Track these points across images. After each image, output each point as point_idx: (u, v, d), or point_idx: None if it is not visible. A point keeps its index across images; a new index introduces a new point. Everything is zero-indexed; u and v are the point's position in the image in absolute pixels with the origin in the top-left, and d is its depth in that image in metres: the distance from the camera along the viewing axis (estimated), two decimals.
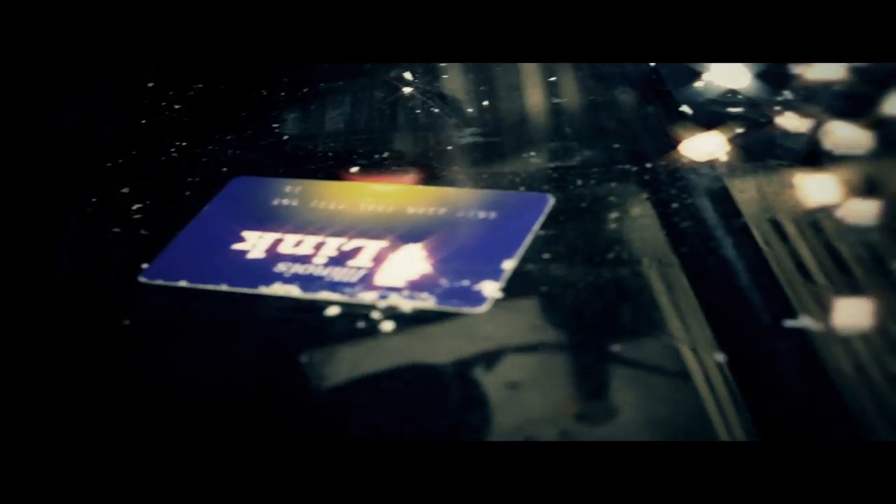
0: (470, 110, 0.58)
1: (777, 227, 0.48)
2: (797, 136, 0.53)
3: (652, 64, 0.59)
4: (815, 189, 0.50)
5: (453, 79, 0.60)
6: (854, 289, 0.44)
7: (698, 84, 0.57)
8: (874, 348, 0.42)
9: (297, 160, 0.55)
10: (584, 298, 0.45)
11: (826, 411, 0.40)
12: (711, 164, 0.52)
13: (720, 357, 0.42)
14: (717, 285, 0.46)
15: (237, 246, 0.50)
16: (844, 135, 0.52)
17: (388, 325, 0.45)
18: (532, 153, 0.54)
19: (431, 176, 0.53)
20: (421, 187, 0.53)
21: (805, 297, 0.44)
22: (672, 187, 0.51)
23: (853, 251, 0.46)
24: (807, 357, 0.42)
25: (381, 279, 0.47)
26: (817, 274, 0.45)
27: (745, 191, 0.50)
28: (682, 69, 0.58)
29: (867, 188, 0.49)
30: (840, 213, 0.48)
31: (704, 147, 0.53)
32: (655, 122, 0.55)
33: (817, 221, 0.48)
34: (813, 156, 0.52)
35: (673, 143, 0.53)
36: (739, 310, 0.44)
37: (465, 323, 0.45)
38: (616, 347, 0.43)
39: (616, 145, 0.54)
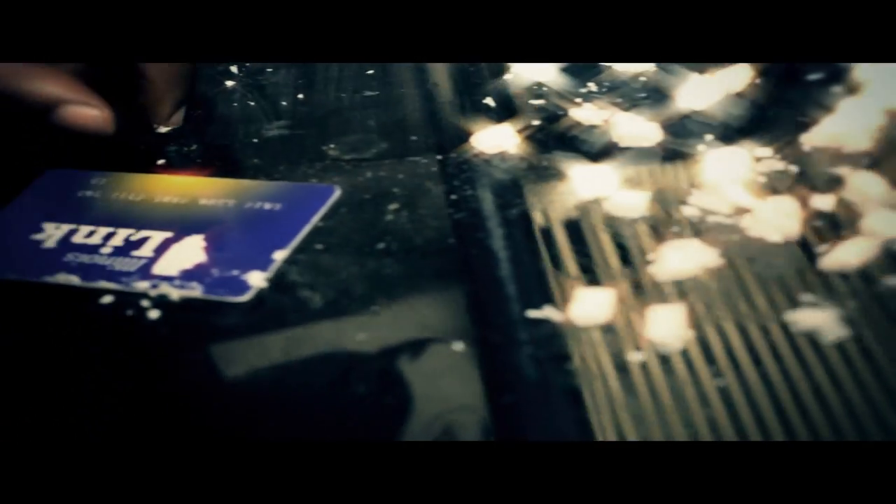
0: (284, 103, 0.59)
1: (547, 218, 0.49)
2: (589, 128, 0.54)
3: None
4: (592, 181, 0.51)
5: (276, 72, 0.61)
6: (605, 280, 0.45)
7: (508, 76, 0.58)
8: (613, 339, 0.43)
9: (111, 152, 0.57)
10: (342, 289, 0.47)
11: (554, 403, 0.41)
12: (501, 156, 0.53)
13: (459, 346, 0.43)
14: (477, 275, 0.47)
15: (34, 237, 0.52)
16: (633, 128, 0.53)
17: (154, 314, 0.46)
18: (332, 145, 0.55)
19: (232, 168, 0.55)
20: (216, 179, 0.54)
21: (558, 288, 0.45)
22: (457, 179, 0.52)
23: (616, 243, 0.47)
24: (543, 348, 0.43)
25: (158, 269, 0.49)
26: (572, 265, 0.47)
27: (527, 183, 0.51)
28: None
29: (644, 180, 0.51)
30: (609, 206, 0.49)
31: (497, 139, 0.54)
32: (459, 114, 0.56)
33: (588, 213, 0.49)
34: (599, 148, 0.53)
35: (468, 135, 0.54)
36: (492, 299, 0.45)
37: (224, 311, 0.46)
38: (362, 336, 0.44)
39: (414, 137, 0.55)
